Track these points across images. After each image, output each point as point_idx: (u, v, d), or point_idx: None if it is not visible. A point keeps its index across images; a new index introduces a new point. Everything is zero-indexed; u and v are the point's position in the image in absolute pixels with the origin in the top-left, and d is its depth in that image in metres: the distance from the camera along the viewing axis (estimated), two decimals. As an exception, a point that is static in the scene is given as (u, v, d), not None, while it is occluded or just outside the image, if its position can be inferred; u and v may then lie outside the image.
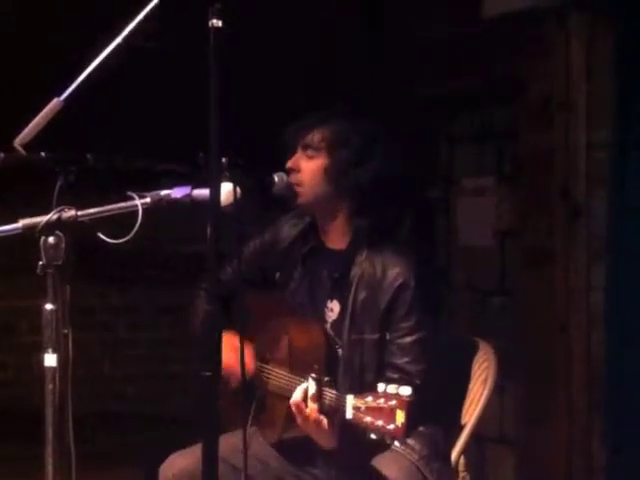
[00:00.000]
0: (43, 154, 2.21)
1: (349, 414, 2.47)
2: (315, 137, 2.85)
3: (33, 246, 2.20)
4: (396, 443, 2.42)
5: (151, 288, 5.24)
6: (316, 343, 2.80)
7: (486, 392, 2.96)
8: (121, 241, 2.23)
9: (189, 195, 2.28)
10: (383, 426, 2.40)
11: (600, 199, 4.01)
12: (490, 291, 4.58)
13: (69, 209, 2.21)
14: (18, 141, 2.17)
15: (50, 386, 2.19)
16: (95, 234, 2.23)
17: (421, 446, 2.75)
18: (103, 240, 2.24)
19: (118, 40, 2.17)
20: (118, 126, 3.97)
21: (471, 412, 2.97)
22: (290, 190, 2.82)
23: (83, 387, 2.38)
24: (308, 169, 2.85)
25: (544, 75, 4.16)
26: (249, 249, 3.05)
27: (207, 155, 2.09)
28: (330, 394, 2.56)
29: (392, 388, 2.43)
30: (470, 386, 3.02)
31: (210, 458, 2.06)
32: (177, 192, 2.29)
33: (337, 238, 2.90)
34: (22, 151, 2.18)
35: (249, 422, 2.84)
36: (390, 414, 2.39)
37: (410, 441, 2.71)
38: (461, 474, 2.92)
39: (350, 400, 2.48)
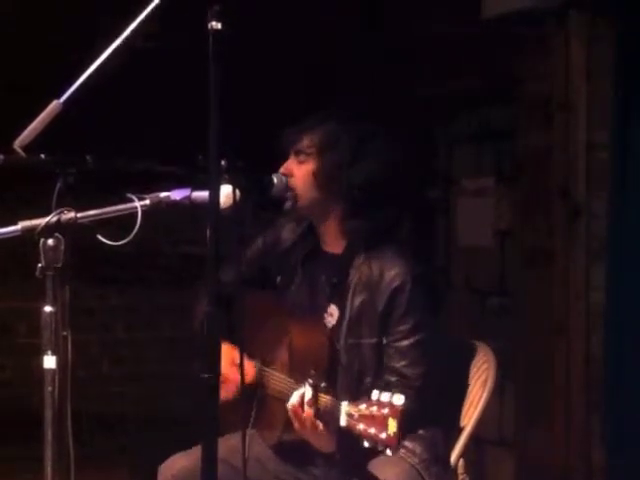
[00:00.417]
0: (42, 156, 2.21)
1: (343, 421, 2.47)
2: (305, 142, 2.85)
3: (33, 248, 2.20)
4: (388, 452, 2.41)
5: (150, 289, 5.24)
6: (317, 346, 2.80)
7: (485, 394, 2.95)
8: (121, 243, 2.22)
9: (188, 197, 2.28)
10: (375, 434, 2.40)
11: (600, 199, 4.01)
12: (489, 291, 4.57)
13: (68, 211, 2.21)
14: (18, 143, 2.17)
15: (49, 388, 2.19)
16: (95, 236, 2.23)
17: (421, 449, 2.74)
18: (103, 242, 2.24)
19: (118, 42, 2.17)
20: (117, 128, 3.96)
21: (470, 414, 2.96)
22: (288, 192, 2.82)
23: (82, 388, 2.37)
24: (299, 174, 2.85)
25: (544, 75, 4.15)
26: (251, 250, 3.05)
27: (206, 157, 2.09)
28: (325, 400, 2.56)
29: (385, 396, 2.42)
30: (469, 388, 3.02)
31: (209, 459, 2.06)
32: (176, 194, 2.29)
33: (333, 242, 2.89)
34: (22, 153, 2.17)
35: (250, 425, 2.84)
36: (382, 422, 2.39)
37: (410, 444, 2.71)
38: (460, 476, 2.92)
39: (344, 407, 2.48)
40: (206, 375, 2.05)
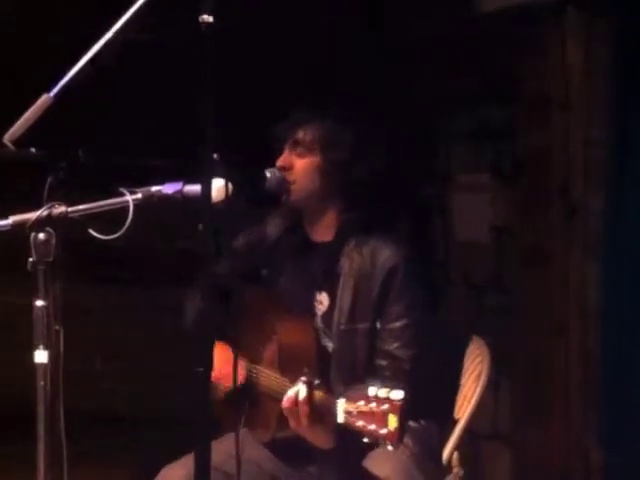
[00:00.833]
0: (33, 150, 2.20)
1: (341, 418, 2.46)
2: (306, 136, 2.85)
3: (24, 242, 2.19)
4: (389, 447, 2.39)
5: (144, 285, 5.23)
6: (305, 339, 2.80)
7: (479, 388, 2.96)
8: (113, 237, 2.22)
9: (180, 191, 2.27)
10: (376, 430, 2.39)
11: (597, 197, 4.00)
12: (486, 288, 4.57)
13: (59, 205, 2.21)
14: (7, 137, 2.17)
15: (41, 383, 2.18)
16: (87, 231, 2.22)
17: (413, 442, 2.74)
18: (99, 238, 2.23)
19: (109, 34, 2.17)
20: (110, 122, 3.96)
21: (464, 408, 2.96)
22: (282, 186, 2.82)
23: (76, 385, 2.37)
24: (300, 167, 2.85)
25: (542, 74, 4.15)
26: (236, 245, 3.05)
27: (199, 151, 2.08)
28: (321, 396, 2.55)
29: (383, 392, 2.40)
30: (463, 381, 3.02)
31: (202, 465, 2.04)
32: (168, 188, 2.28)
33: (325, 232, 2.90)
34: (11, 147, 2.17)
35: (241, 423, 2.83)
36: (382, 418, 2.38)
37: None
38: (455, 469, 2.92)
39: (341, 404, 2.46)
40: (199, 369, 2.05)
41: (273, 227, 3.01)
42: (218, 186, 2.24)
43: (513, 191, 4.41)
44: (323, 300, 2.87)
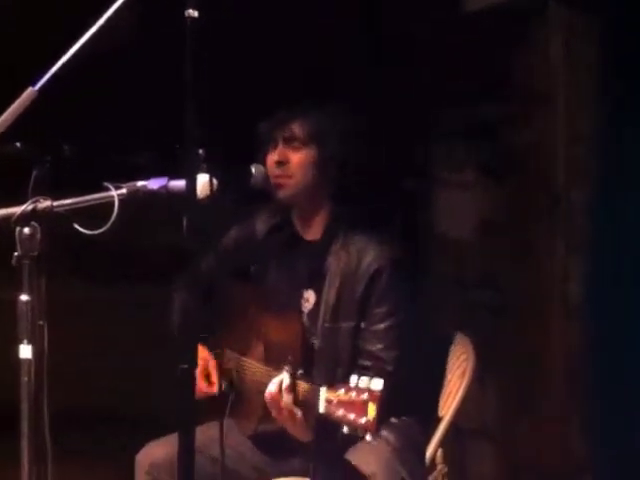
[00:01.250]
0: (18, 144, 2.20)
1: (322, 407, 2.47)
2: (299, 130, 2.85)
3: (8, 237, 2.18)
4: (368, 437, 2.40)
5: (128, 283, 5.22)
6: (291, 336, 2.80)
7: (464, 385, 2.96)
8: (97, 232, 2.21)
9: (165, 186, 2.26)
10: (355, 420, 2.39)
11: (581, 193, 4.02)
12: (472, 284, 4.58)
13: (44, 200, 2.20)
14: (-8, 131, 2.16)
15: (25, 379, 2.18)
16: (74, 227, 2.21)
17: (395, 438, 2.75)
18: (87, 235, 2.22)
19: (94, 29, 2.16)
20: (96, 117, 3.95)
21: (449, 405, 2.97)
22: (267, 182, 2.82)
23: (61, 382, 2.36)
24: (297, 161, 2.85)
25: (526, 71, 4.16)
26: (225, 241, 3.06)
27: (183, 146, 2.08)
28: (304, 386, 2.56)
29: (364, 382, 2.41)
30: (448, 378, 3.03)
31: (186, 449, 2.05)
32: (153, 183, 2.27)
33: (314, 229, 2.91)
34: (-5, 141, 2.16)
35: (226, 414, 2.84)
36: (362, 407, 2.38)
37: (384, 432, 2.71)
38: (439, 466, 2.92)
39: (323, 393, 2.47)
40: (184, 365, 2.04)
41: (261, 223, 3.01)
42: (203, 182, 2.24)
43: (499, 188, 4.42)
44: (310, 298, 2.88)
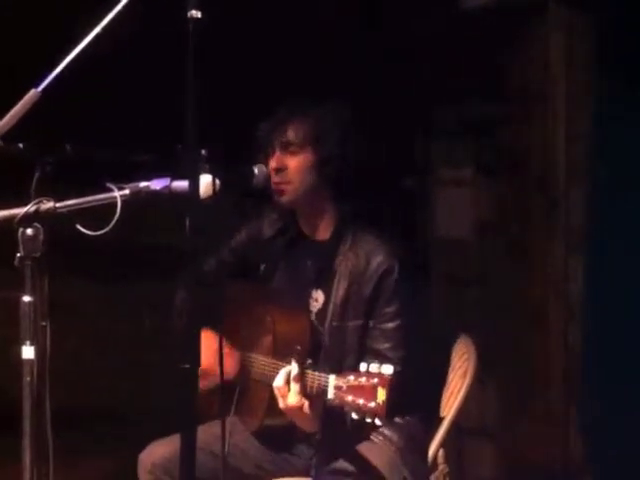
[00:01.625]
0: (20, 145, 2.19)
1: (331, 394, 2.47)
2: (294, 134, 2.85)
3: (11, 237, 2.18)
4: (377, 421, 2.40)
5: (132, 281, 5.21)
6: (300, 331, 2.82)
7: (465, 385, 2.96)
8: (100, 233, 2.21)
9: (168, 187, 2.26)
10: (364, 404, 2.39)
11: (579, 192, 4.02)
12: (469, 282, 4.58)
13: (47, 200, 2.20)
14: (-6, 132, 2.16)
15: (27, 379, 2.18)
16: (74, 226, 2.22)
17: (398, 437, 2.76)
18: (86, 234, 2.22)
19: (97, 30, 2.16)
20: (98, 117, 3.94)
21: (451, 405, 2.97)
22: (270, 183, 2.82)
23: (62, 381, 2.36)
24: (294, 166, 2.85)
25: (524, 68, 4.17)
26: (235, 240, 3.08)
27: (186, 147, 2.08)
28: (312, 375, 2.56)
29: (374, 367, 2.42)
30: (450, 378, 3.03)
31: (188, 447, 2.05)
32: (156, 184, 2.27)
33: (321, 229, 2.92)
34: (-1, 142, 2.16)
35: (231, 412, 2.85)
36: (371, 392, 2.38)
37: (387, 432, 2.72)
38: (440, 466, 2.93)
39: (332, 380, 2.48)
40: (186, 365, 2.05)
41: (269, 224, 3.02)
42: (206, 182, 2.25)
43: (499, 187, 4.42)
44: (318, 297, 2.89)
